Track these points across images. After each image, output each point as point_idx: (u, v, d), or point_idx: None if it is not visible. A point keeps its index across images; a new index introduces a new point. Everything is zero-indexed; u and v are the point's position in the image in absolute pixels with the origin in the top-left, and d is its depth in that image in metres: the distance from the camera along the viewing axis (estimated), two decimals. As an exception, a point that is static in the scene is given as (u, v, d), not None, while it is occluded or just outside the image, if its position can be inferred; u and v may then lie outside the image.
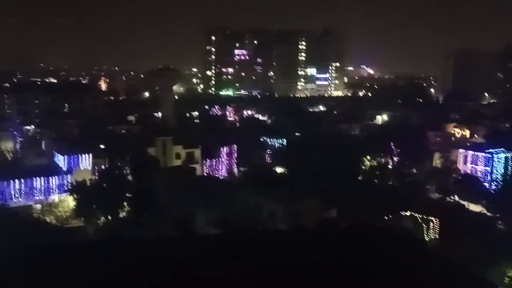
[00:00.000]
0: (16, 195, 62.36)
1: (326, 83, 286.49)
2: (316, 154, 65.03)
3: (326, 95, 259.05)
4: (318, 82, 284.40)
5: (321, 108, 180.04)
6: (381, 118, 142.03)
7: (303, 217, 46.77)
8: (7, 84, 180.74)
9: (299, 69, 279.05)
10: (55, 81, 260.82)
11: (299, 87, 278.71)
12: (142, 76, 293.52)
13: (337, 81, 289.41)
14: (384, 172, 76.11)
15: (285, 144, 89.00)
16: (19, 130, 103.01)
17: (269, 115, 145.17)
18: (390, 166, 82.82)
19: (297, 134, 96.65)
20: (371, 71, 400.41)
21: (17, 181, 62.72)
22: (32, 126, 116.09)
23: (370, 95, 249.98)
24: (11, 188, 62.20)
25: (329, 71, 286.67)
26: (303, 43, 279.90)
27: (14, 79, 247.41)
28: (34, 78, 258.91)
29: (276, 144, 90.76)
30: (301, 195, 53.30)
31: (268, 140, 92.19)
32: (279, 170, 74.50)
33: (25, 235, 43.89)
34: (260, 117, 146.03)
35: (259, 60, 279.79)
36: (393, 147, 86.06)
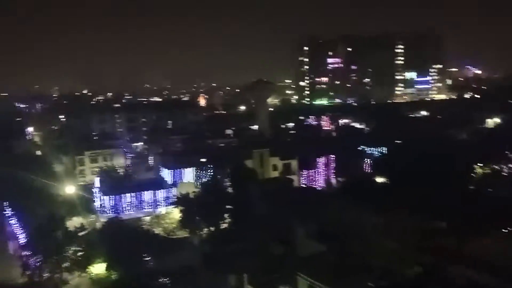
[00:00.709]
0: (128, 207, 66.96)
1: (428, 86, 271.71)
2: (420, 163, 61.10)
3: (428, 99, 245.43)
4: (418, 86, 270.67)
5: (423, 113, 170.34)
6: (493, 122, 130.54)
7: (407, 231, 44.15)
8: (118, 105, 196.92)
9: (396, 73, 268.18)
10: (159, 99, 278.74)
11: (398, 93, 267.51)
12: (237, 90, 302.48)
13: (439, 84, 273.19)
14: (498, 181, 69.29)
15: (386, 152, 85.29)
16: (129, 147, 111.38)
17: (366, 123, 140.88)
18: (505, 174, 75.41)
19: (397, 141, 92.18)
20: (478, 71, 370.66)
21: (128, 195, 67.40)
22: (141, 143, 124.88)
23: (478, 97, 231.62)
24: (123, 202, 66.95)
25: (430, 73, 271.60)
26: (400, 46, 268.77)
27: (123, 100, 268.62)
28: (141, 98, 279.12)
29: (375, 152, 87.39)
30: (404, 206, 50.35)
31: (367, 149, 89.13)
32: (380, 180, 71.40)
33: (137, 245, 46.83)
34: (357, 126, 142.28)
35: (353, 67, 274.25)
36: (507, 152, 78.43)
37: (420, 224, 46.36)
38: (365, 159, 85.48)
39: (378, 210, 49.04)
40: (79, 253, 46.56)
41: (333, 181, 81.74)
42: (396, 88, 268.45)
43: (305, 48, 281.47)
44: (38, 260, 44.92)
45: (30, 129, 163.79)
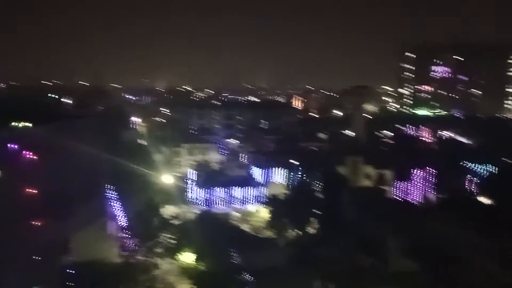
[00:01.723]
0: (219, 202, 68.88)
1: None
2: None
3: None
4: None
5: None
6: None
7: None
8: (216, 102, 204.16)
9: (507, 86, 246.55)
10: (255, 99, 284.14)
11: (509, 107, 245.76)
12: (335, 94, 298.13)
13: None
14: None
15: (494, 171, 78.43)
16: (224, 143, 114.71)
17: (471, 137, 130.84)
18: None
19: (509, 161, 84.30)
20: None
21: (220, 189, 69.33)
22: (235, 140, 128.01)
23: None
24: (215, 195, 69.00)
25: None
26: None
27: (222, 97, 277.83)
28: (238, 97, 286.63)
29: (481, 170, 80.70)
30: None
31: (471, 165, 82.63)
32: (485, 201, 65.78)
33: (225, 240, 47.89)
34: (462, 140, 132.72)
35: (461, 76, 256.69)
36: None
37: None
38: (469, 177, 79.37)
39: (481, 232, 45.03)
40: (171, 241, 48.67)
41: (431, 196, 76.96)
42: (506, 102, 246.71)
43: (409, 53, 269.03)
44: (134, 243, 47.70)
45: (137, 120, 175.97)
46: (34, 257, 29.77)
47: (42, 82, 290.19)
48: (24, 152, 28.93)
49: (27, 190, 28.92)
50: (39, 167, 29.90)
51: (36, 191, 29.03)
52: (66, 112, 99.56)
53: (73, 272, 40.94)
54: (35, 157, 28.80)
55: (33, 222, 29.07)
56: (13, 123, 29.94)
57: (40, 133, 30.21)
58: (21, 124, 30.22)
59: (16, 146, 28.05)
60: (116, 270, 44.57)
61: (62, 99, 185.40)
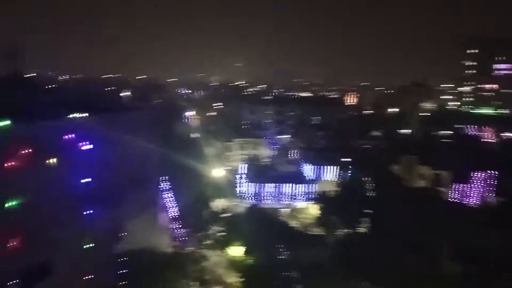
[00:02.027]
0: (268, 197, 68.79)
1: None
2: None
3: None
4: None
5: None
6: None
7: None
8: (268, 97, 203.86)
9: None
10: (308, 95, 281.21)
11: None
12: (391, 91, 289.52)
13: None
14: None
15: None
16: (274, 138, 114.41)
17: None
18: None
19: None
20: None
21: (270, 184, 69.22)
22: (286, 136, 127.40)
23: None
24: (265, 191, 68.96)
25: None
26: None
27: (274, 93, 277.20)
28: (290, 92, 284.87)
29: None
30: None
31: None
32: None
33: (274, 235, 47.75)
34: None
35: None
36: None
37: None
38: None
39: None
40: (221, 234, 49.12)
41: (491, 199, 72.97)
42: None
43: (471, 50, 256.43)
44: (184, 234, 48.54)
45: (190, 113, 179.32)
46: (86, 245, 30.88)
47: (103, 76, 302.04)
48: (80, 142, 29.97)
49: (82, 178, 29.96)
50: (94, 157, 30.91)
51: (91, 180, 30.00)
52: (123, 105, 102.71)
53: (125, 259, 42.22)
54: (90, 147, 29.75)
55: (86, 210, 30.11)
56: (71, 115, 31.09)
57: (96, 123, 31.22)
58: (79, 115, 31.36)
59: (72, 136, 29.10)
60: (166, 260, 45.55)
61: (120, 93, 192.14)
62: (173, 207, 59.00)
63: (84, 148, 29.96)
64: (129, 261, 42.17)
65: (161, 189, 59.95)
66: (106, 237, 35.31)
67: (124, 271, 40.32)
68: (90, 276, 32.53)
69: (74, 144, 29.42)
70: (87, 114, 32.34)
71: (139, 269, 40.17)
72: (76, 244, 30.01)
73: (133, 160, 36.34)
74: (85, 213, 30.75)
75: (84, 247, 31.32)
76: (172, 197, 62.34)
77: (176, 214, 53.66)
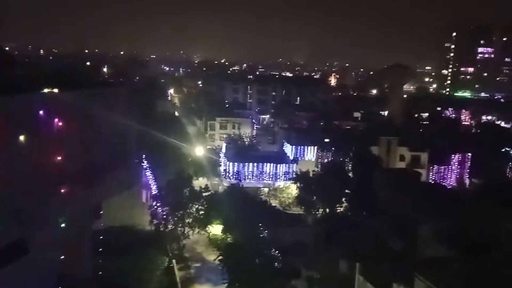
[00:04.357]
0: (249, 176, 68.86)
1: None
2: None
3: None
4: None
5: None
6: None
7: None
8: (251, 76, 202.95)
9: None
10: (290, 75, 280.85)
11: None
12: (371, 73, 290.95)
13: None
14: None
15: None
16: (257, 118, 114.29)
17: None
18: None
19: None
20: None
21: (251, 164, 69.21)
22: (268, 115, 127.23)
23: None
24: (246, 170, 68.99)
25: None
26: None
27: (257, 72, 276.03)
28: (273, 72, 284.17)
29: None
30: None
31: (513, 151, 79.43)
32: (524, 188, 63.09)
33: (254, 214, 47.87)
34: (503, 124, 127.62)
35: (507, 59, 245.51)
36: None
37: None
38: (510, 163, 76.29)
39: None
40: (201, 212, 49.09)
41: (467, 181, 74.62)
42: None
43: (454, 33, 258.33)
44: (165, 212, 48.36)
45: (171, 91, 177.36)
46: (63, 223, 30.40)
47: (84, 51, 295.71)
48: (57, 117, 29.17)
49: (58, 155, 29.26)
50: (71, 133, 30.17)
51: (63, 157, 29.28)
52: (103, 80, 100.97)
53: (103, 238, 41.93)
54: (62, 123, 28.95)
55: (60, 189, 29.50)
56: (48, 89, 30.15)
57: (74, 99, 30.38)
58: (56, 90, 30.46)
59: (49, 111, 28.26)
60: (146, 237, 45.46)
61: (101, 69, 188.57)
62: (153, 185, 58.66)
63: (60, 123, 29.15)
64: (108, 239, 41.93)
65: (141, 167, 59.44)
66: (84, 215, 34.82)
67: (102, 249, 40.07)
68: (67, 255, 32.15)
69: (50, 119, 28.59)
70: (65, 89, 31.40)
71: (118, 247, 39.95)
72: (53, 222, 29.49)
73: (112, 137, 35.63)
74: (62, 190, 30.14)
75: (61, 225, 30.82)
76: (152, 175, 61.91)
77: (157, 192, 53.36)
